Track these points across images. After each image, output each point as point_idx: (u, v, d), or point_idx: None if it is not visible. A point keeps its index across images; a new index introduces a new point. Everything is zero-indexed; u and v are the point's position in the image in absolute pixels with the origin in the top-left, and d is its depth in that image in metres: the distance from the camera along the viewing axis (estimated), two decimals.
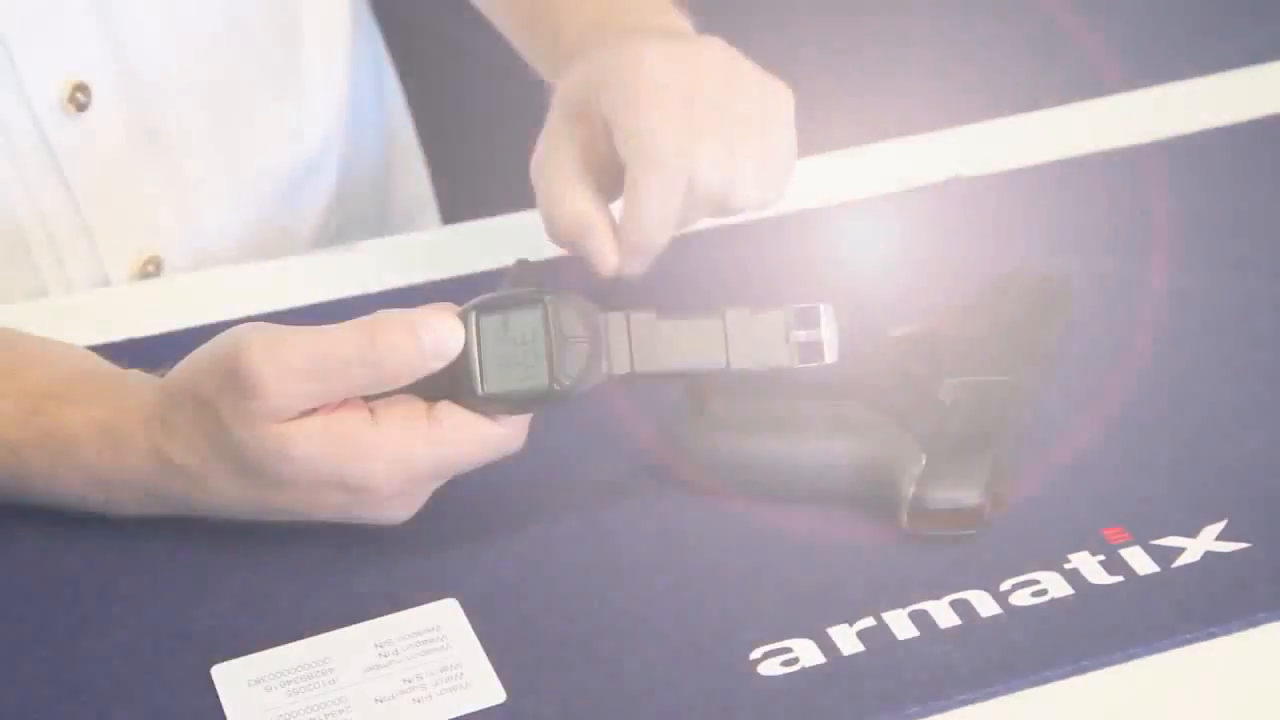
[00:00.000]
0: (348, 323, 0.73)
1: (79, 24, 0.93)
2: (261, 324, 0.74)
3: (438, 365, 0.73)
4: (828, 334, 0.76)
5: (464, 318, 0.74)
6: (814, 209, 0.99)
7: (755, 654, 0.74)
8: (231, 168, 1.02)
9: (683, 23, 0.94)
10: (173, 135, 0.98)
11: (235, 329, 0.73)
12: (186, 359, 0.76)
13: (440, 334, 0.73)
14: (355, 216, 1.12)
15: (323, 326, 0.73)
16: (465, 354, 0.73)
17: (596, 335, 0.75)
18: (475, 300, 0.75)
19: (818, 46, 1.83)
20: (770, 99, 0.88)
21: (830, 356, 0.76)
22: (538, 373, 0.74)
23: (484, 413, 0.74)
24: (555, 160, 0.86)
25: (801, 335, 0.76)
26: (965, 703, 0.73)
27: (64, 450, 0.77)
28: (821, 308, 0.77)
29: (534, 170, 0.87)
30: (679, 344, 0.76)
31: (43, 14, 0.91)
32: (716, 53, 0.88)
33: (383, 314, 0.73)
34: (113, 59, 0.94)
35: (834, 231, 0.98)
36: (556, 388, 0.74)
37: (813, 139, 0.93)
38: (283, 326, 0.73)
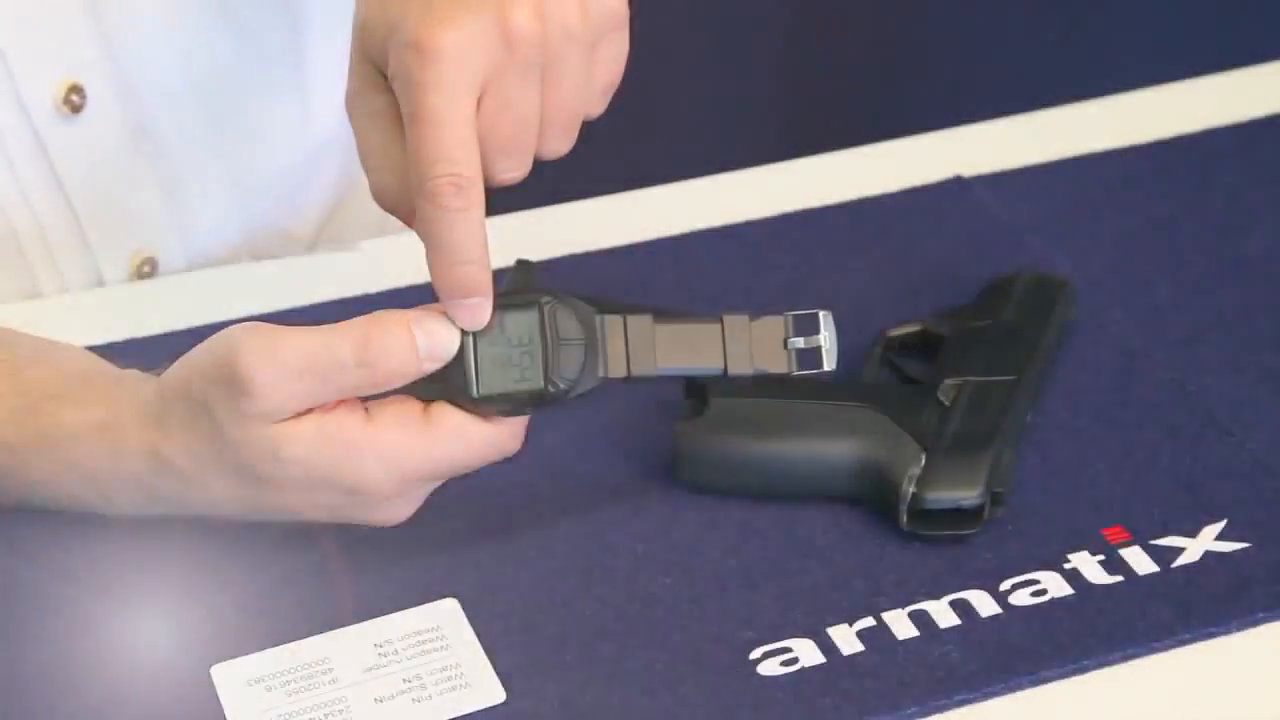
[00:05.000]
0: (343, 323, 0.72)
1: (73, 25, 0.92)
2: (256, 324, 0.73)
3: (433, 367, 0.73)
4: (826, 341, 0.76)
5: None
6: (814, 209, 0.99)
7: (755, 654, 0.74)
8: (230, 167, 1.02)
9: None
10: (169, 135, 0.98)
11: (230, 329, 0.73)
12: (181, 359, 0.75)
13: (436, 335, 0.72)
14: (355, 216, 1.12)
15: (318, 326, 0.73)
16: (460, 355, 0.73)
17: (593, 337, 0.75)
18: None
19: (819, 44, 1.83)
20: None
21: (829, 364, 0.76)
22: (533, 375, 0.74)
23: (479, 414, 0.73)
24: (367, 113, 0.78)
25: (800, 342, 0.76)
26: (965, 703, 0.73)
27: (61, 451, 0.77)
28: (821, 315, 0.76)
29: (347, 109, 0.79)
30: (675, 348, 0.75)
31: (37, 15, 0.91)
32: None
33: (379, 314, 0.73)
34: (107, 60, 0.94)
35: (833, 232, 0.98)
36: (551, 390, 0.74)
37: (815, 136, 0.92)
38: (278, 326, 0.73)
